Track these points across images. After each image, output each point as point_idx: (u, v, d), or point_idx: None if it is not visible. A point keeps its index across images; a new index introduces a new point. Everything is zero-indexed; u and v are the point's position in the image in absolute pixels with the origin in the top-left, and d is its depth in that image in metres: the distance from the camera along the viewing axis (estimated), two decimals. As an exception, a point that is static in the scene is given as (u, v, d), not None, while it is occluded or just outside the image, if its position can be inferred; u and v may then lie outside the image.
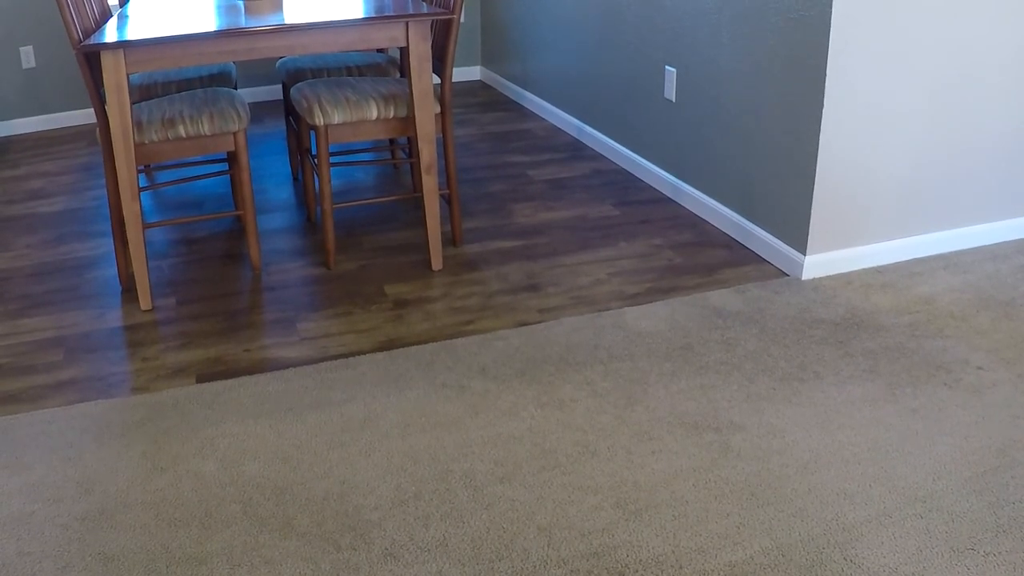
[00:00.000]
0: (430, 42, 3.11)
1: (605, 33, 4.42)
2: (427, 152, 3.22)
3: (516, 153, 4.68)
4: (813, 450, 2.34)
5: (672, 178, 4.01)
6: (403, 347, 2.87)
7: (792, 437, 2.39)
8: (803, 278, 3.24)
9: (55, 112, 5.42)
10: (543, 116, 5.30)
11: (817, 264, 3.24)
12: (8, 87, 5.28)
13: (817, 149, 3.08)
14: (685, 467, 2.29)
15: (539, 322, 3.01)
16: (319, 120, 3.18)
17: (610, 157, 4.54)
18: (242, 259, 3.53)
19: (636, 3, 4.08)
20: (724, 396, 2.58)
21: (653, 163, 4.16)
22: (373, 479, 2.27)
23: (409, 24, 3.06)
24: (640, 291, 3.19)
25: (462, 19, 6.08)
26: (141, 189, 3.58)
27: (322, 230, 3.39)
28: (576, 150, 4.70)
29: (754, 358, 2.76)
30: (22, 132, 5.36)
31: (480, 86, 6.14)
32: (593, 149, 4.69)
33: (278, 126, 5.32)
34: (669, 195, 4.03)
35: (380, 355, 2.82)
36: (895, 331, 2.90)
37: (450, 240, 3.62)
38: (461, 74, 6.30)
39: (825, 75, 2.99)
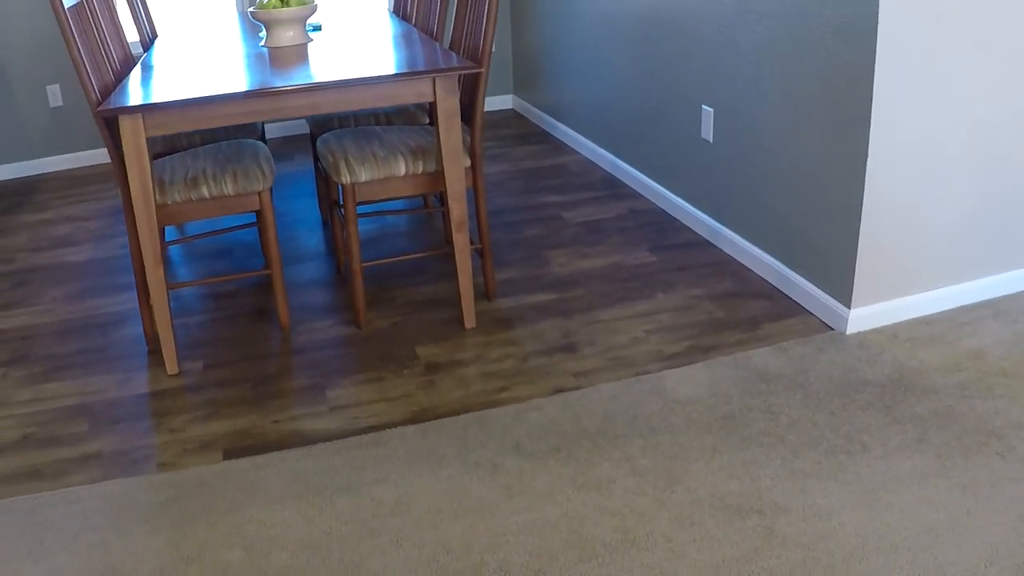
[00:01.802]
0: (458, 96, 3.03)
1: (640, 66, 4.31)
2: (457, 210, 3.14)
3: (550, 192, 4.59)
4: (860, 535, 2.23)
5: (711, 220, 3.89)
6: (435, 418, 2.78)
7: (838, 520, 2.29)
8: (847, 332, 3.12)
9: (83, 151, 5.40)
10: (577, 149, 5.20)
11: (862, 317, 3.12)
12: (35, 126, 5.26)
13: (862, 194, 2.96)
14: (728, 556, 2.19)
15: (575, 388, 2.91)
16: (346, 179, 3.10)
17: (646, 195, 4.43)
18: (270, 316, 3.46)
19: (669, 38, 3.97)
20: (768, 473, 2.47)
21: (690, 204, 4.05)
22: (404, 572, 2.19)
23: (436, 80, 2.97)
24: (679, 350, 3.09)
25: (493, 48, 5.99)
26: (169, 243, 3.54)
27: (351, 287, 3.32)
28: (611, 187, 4.59)
29: (798, 428, 2.65)
30: (50, 171, 5.35)
31: (513, 115, 6.05)
32: (628, 186, 4.58)
33: (308, 162, 5.26)
34: (708, 238, 3.92)
35: (411, 428, 2.73)
36: (944, 392, 2.78)
37: (483, 294, 3.53)
38: (493, 103, 6.21)
39: (870, 117, 2.87)
